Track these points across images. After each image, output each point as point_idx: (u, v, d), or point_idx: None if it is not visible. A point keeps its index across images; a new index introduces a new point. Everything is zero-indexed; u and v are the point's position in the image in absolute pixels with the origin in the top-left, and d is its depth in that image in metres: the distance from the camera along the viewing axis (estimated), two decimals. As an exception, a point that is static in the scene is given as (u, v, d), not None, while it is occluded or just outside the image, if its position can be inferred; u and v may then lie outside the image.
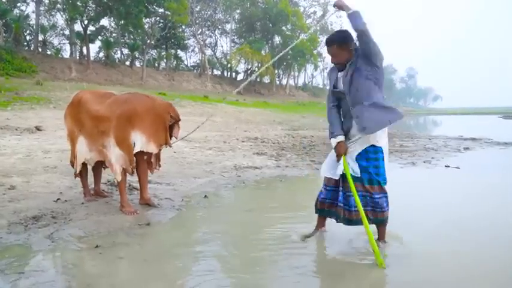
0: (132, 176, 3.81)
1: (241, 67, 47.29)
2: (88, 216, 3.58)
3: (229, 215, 3.88)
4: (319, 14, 54.65)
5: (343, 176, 2.88)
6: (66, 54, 34.51)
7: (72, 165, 4.10)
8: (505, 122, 29.09)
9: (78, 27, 30.96)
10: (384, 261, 2.63)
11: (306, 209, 3.76)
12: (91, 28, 29.85)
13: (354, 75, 2.76)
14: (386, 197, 2.90)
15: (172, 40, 38.25)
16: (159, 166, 4.01)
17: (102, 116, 3.64)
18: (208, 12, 45.63)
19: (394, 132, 15.13)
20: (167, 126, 3.68)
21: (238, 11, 45.98)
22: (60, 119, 11.26)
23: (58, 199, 4.04)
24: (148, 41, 32.95)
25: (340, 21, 55.65)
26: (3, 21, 26.66)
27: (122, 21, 28.96)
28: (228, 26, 48.87)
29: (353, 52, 2.78)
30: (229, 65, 46.21)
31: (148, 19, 31.60)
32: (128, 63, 36.40)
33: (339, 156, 2.90)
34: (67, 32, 33.97)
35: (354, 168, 2.85)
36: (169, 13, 31.47)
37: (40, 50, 29.84)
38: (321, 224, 3.21)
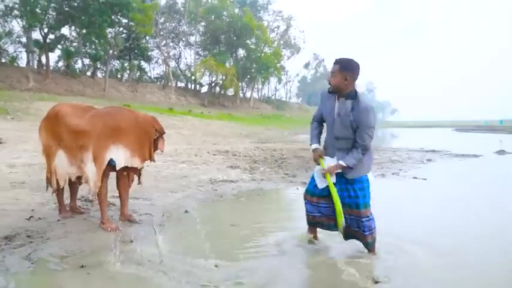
0: (93, 196, 3.68)
1: (206, 79, 47.18)
2: (67, 234, 3.42)
3: (214, 230, 3.82)
4: (283, 29, 55.82)
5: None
6: (23, 62, 32.98)
7: (48, 181, 3.89)
8: (459, 135, 30.77)
9: (36, 35, 29.78)
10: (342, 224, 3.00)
11: (291, 220, 3.80)
12: (50, 36, 28.74)
13: (345, 118, 2.86)
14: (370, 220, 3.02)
15: (136, 51, 37.54)
16: (140, 182, 3.89)
17: (82, 131, 3.51)
18: (173, 24, 45.31)
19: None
20: (152, 140, 3.60)
21: (202, 24, 46.00)
22: (20, 131, 10.78)
23: (31, 217, 3.82)
24: (112, 52, 32.16)
25: (303, 36, 57.33)
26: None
27: (84, 31, 28.11)
28: (192, 38, 48.69)
29: (350, 86, 2.87)
30: (193, 77, 45.93)
31: (111, 29, 30.84)
32: (89, 73, 35.26)
33: (315, 161, 3.15)
34: (24, 40, 32.52)
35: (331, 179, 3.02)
36: (133, 24, 30.93)
37: (-7, 57, 28.38)
38: (312, 231, 3.32)
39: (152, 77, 47.45)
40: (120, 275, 2.67)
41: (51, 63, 29.85)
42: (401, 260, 3.06)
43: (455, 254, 3.24)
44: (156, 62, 46.94)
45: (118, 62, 39.00)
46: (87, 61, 36.19)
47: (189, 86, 48.21)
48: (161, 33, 41.16)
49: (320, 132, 3.26)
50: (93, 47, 33.65)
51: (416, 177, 7.25)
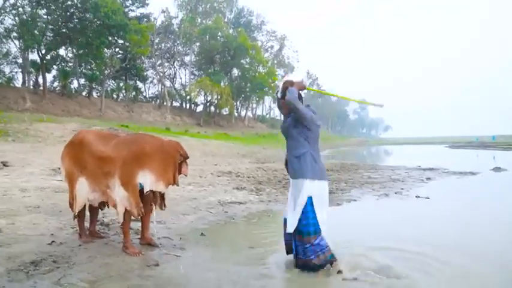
0: (137, 218, 3.75)
1: (201, 99, 47.54)
2: (91, 259, 3.48)
3: (235, 252, 3.89)
4: (276, 48, 56.76)
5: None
6: (18, 83, 33.04)
7: (71, 207, 3.97)
8: (452, 152, 31.17)
9: (32, 55, 29.96)
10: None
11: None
12: (47, 57, 28.93)
13: (289, 127, 3.34)
14: (313, 245, 3.17)
15: (132, 71, 37.86)
16: (165, 206, 3.98)
17: (108, 157, 3.61)
18: (168, 45, 45.87)
19: (357, 164, 15.78)
20: (177, 165, 3.70)
21: (197, 44, 46.64)
22: (22, 153, 10.78)
23: (52, 241, 3.87)
24: (108, 72, 32.41)
25: (296, 55, 58.26)
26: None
27: (81, 51, 28.36)
28: (187, 58, 49.27)
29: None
30: (188, 97, 46.26)
31: (107, 50, 31.16)
32: (84, 93, 35.38)
33: None
34: (20, 60, 32.67)
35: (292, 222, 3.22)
36: (129, 44, 31.29)
37: (-11, 79, 28.46)
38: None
39: (147, 96, 47.68)
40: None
41: (47, 84, 29.90)
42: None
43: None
44: (151, 81, 47.33)
45: (113, 82, 39.23)
46: (82, 81, 36.36)
47: (184, 105, 48.50)
48: (156, 53, 41.61)
49: None
50: (89, 67, 33.93)
51: (419, 196, 7.39)
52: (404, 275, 3.22)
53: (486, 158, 21.31)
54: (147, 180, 3.53)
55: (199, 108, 48.53)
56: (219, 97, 42.83)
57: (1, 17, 25.73)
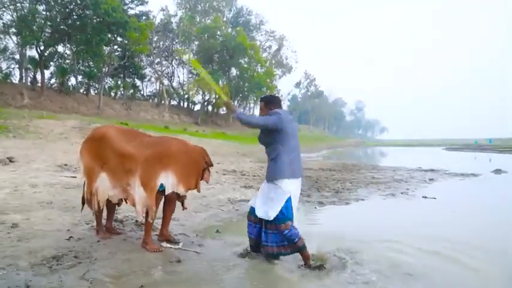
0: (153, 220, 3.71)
1: (199, 98, 47.47)
2: (113, 255, 3.46)
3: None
4: (275, 48, 56.80)
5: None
6: (15, 79, 32.82)
7: (87, 203, 3.93)
8: (450, 154, 31.37)
9: (29, 51, 29.79)
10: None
11: (322, 236, 3.89)
12: (45, 53, 28.75)
13: (261, 136, 3.52)
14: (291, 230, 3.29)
15: (131, 69, 37.73)
16: (184, 208, 3.99)
17: (130, 155, 3.59)
18: (167, 43, 45.76)
19: (359, 164, 15.85)
20: (200, 171, 3.68)
21: (196, 43, 46.57)
22: (24, 149, 10.72)
23: (70, 237, 3.85)
24: (106, 69, 32.27)
25: (295, 56, 58.32)
26: None
27: (80, 48, 28.23)
28: (185, 57, 49.19)
29: (272, 112, 3.42)
30: (186, 96, 46.19)
31: (106, 47, 31.02)
32: (82, 91, 35.23)
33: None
34: (17, 56, 32.48)
35: (270, 213, 3.29)
36: (128, 42, 31.18)
37: (-14, 74, 28.25)
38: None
39: (145, 94, 47.55)
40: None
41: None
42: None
43: None
44: (149, 80, 47.21)
45: (111, 79, 39.06)
46: (80, 78, 36.18)
47: (182, 104, 48.41)
48: (155, 51, 41.50)
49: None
50: (87, 64, 33.78)
51: (425, 197, 7.43)
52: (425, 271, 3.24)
53: (484, 160, 21.51)
54: (169, 181, 3.52)
55: (197, 107, 48.50)
56: (216, 96, 42.80)
57: (0, 12, 25.55)
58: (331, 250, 3.71)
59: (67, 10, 26.71)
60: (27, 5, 26.27)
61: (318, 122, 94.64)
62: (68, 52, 32.92)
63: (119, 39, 30.99)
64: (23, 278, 2.82)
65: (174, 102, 48.17)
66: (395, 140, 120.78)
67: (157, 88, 45.56)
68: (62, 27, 27.37)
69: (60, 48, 32.03)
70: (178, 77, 52.09)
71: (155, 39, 41.86)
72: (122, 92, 39.58)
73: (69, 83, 34.80)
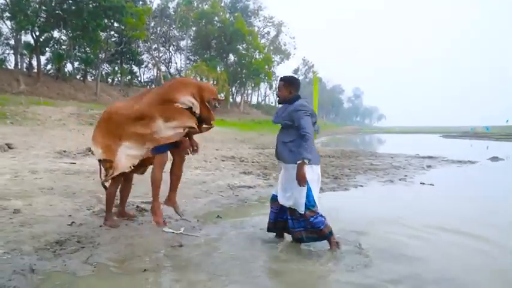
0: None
1: (197, 84, 47.12)
2: (116, 239, 3.50)
3: (255, 234, 3.91)
4: (273, 34, 56.31)
5: None
6: (10, 65, 32.44)
7: (104, 187, 3.99)
8: (447, 141, 31.48)
9: (24, 37, 29.38)
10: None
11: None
12: (40, 39, 28.38)
13: (285, 117, 3.39)
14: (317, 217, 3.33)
15: (128, 55, 37.35)
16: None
17: (141, 111, 3.75)
18: (164, 29, 45.25)
19: (357, 151, 15.91)
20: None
21: (194, 28, 46.07)
22: (22, 136, 10.70)
23: (72, 222, 3.88)
24: (104, 55, 31.95)
25: (293, 42, 57.85)
26: None
27: (76, 34, 27.87)
28: (183, 43, 48.71)
29: (292, 97, 3.44)
30: (184, 82, 45.88)
31: (103, 33, 30.62)
32: (79, 77, 34.89)
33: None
34: (12, 42, 32.04)
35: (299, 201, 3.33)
36: (125, 28, 30.78)
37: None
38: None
39: (142, 81, 47.22)
40: (185, 277, 2.77)
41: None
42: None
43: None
44: (146, 66, 46.82)
45: (108, 66, 38.69)
46: (76, 64, 35.81)
47: (180, 90, 48.12)
48: (152, 37, 41.07)
49: None
50: (84, 50, 33.39)
51: (423, 183, 7.49)
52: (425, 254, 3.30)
53: (481, 148, 21.61)
54: (186, 100, 3.73)
55: (195, 94, 48.24)
56: (215, 83, 42.56)
57: (-7, -4, 25.16)
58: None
59: (62, -6, 26.32)
60: (21, -12, 25.82)
61: (316, 109, 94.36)
62: (64, 38, 32.43)
63: (115, 24, 30.57)
64: (27, 262, 2.85)
65: (171, 89, 47.86)
66: (393, 127, 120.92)
67: (155, 74, 45.22)
68: (57, 11, 26.97)
69: (55, 34, 31.58)
70: (176, 63, 51.75)
71: (152, 24, 41.39)
72: (119, 79, 39.25)
73: (66, 69, 34.43)
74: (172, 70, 49.59)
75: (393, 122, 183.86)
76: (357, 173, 8.83)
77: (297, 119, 3.29)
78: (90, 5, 25.83)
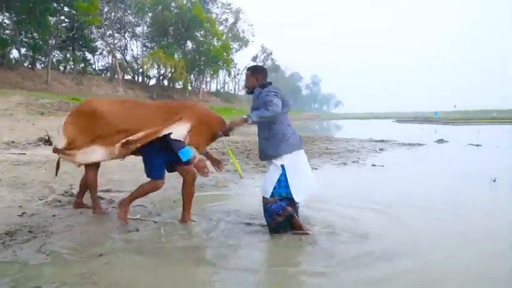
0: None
1: (154, 72, 46.11)
2: (70, 228, 3.47)
3: (212, 219, 3.99)
4: (231, 21, 55.88)
5: None
6: None
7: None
8: (399, 126, 32.97)
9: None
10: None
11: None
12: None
13: (260, 103, 3.27)
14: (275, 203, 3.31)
15: (80, 42, 35.73)
16: None
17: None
18: (118, 14, 43.62)
19: (313, 136, 16.33)
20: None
21: (150, 14, 44.78)
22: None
23: (23, 213, 3.80)
24: (54, 41, 30.38)
25: (251, 29, 57.77)
26: None
27: (22, 18, 26.28)
28: (138, 29, 47.25)
29: (263, 84, 3.42)
30: (141, 70, 44.69)
31: (52, 18, 29.07)
32: (27, 64, 33.00)
33: None
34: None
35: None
36: (76, 12, 29.40)
37: None
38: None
39: (97, 69, 45.47)
40: (142, 259, 2.82)
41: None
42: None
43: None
44: (101, 53, 45.08)
45: (60, 52, 36.86)
46: (23, 51, 33.83)
47: (136, 78, 46.86)
48: (106, 22, 39.52)
49: None
50: (31, 35, 31.57)
51: (374, 165, 7.88)
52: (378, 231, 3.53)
53: (430, 131, 22.85)
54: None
55: (152, 82, 47.21)
56: (172, 70, 41.80)
57: None
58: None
59: (5, -25, 24.67)
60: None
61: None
62: (7, 21, 30.47)
63: (65, 9, 29.15)
64: (-27, 255, 2.78)
65: (128, 77, 46.51)
66: (349, 113, 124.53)
67: (110, 62, 43.68)
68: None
69: (-2, 18, 29.65)
70: (132, 50, 50.45)
71: (106, 9, 39.80)
72: (72, 66, 37.55)
73: (11, 56, 32.46)
74: (128, 57, 48.18)
75: (350, 109, 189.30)
76: (312, 156, 9.10)
77: (267, 97, 3.19)
78: (37, -13, 24.45)
